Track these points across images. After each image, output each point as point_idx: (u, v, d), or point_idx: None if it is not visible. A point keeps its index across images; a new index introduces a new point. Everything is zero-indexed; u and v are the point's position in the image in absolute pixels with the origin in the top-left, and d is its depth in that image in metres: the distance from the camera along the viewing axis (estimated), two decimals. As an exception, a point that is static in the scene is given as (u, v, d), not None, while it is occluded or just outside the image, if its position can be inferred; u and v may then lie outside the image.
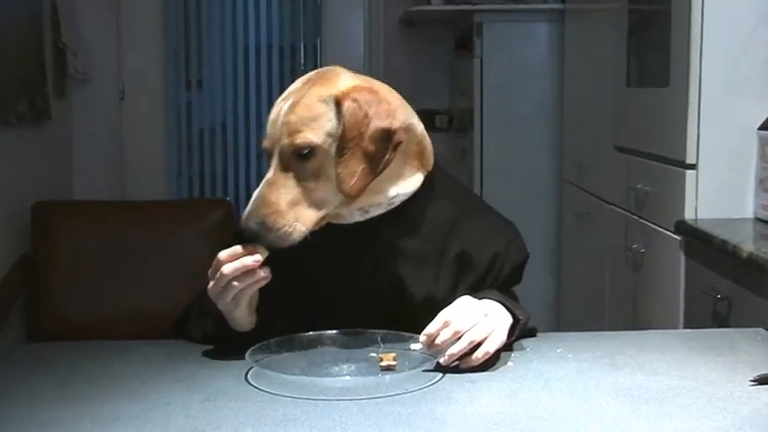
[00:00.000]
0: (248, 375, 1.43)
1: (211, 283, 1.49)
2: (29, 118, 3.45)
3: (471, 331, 1.44)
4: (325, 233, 1.54)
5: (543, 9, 3.99)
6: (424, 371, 1.42)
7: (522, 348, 1.56)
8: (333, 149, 1.50)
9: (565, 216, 3.87)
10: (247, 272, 1.46)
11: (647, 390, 1.39)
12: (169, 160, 4.62)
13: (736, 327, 2.02)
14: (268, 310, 1.58)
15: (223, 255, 1.47)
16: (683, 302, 2.40)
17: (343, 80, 1.54)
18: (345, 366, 1.48)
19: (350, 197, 1.51)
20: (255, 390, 1.37)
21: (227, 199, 3.71)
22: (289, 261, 1.52)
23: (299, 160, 1.49)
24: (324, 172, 1.50)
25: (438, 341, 1.43)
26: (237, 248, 1.47)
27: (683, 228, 2.37)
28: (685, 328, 2.35)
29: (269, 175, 1.49)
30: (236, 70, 4.75)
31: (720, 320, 2.13)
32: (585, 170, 3.46)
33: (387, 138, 1.51)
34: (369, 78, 1.60)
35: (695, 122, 2.38)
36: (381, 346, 1.52)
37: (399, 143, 1.53)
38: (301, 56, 4.78)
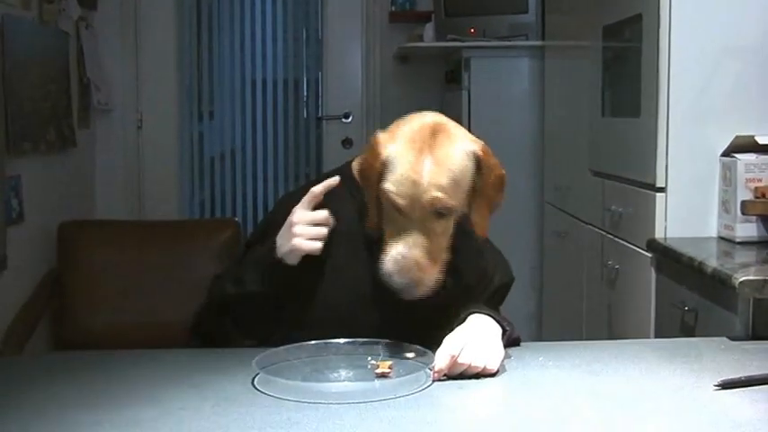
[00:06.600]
0: (255, 381, 1.43)
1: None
2: (56, 145, 3.45)
3: (476, 362, 1.46)
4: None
5: (525, 46, 4.00)
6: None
7: (508, 357, 1.56)
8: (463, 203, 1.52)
9: (546, 235, 3.86)
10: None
11: (622, 394, 1.39)
12: (182, 184, 4.61)
13: (702, 336, 2.02)
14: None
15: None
16: (653, 314, 2.40)
17: (463, 132, 1.57)
18: (344, 373, 1.48)
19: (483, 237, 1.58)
20: (262, 395, 1.38)
21: (236, 219, 3.70)
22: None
23: (437, 218, 1.49)
24: (450, 225, 1.52)
25: (450, 373, 1.45)
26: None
27: (653, 246, 2.37)
28: (656, 337, 2.35)
29: (412, 235, 1.47)
30: (245, 102, 4.74)
31: (688, 330, 2.13)
32: (565, 193, 3.46)
33: (502, 182, 1.59)
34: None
35: (664, 149, 2.39)
36: (381, 354, 1.52)
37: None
38: (304, 88, 4.78)
